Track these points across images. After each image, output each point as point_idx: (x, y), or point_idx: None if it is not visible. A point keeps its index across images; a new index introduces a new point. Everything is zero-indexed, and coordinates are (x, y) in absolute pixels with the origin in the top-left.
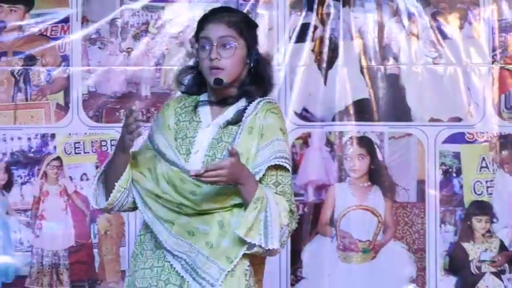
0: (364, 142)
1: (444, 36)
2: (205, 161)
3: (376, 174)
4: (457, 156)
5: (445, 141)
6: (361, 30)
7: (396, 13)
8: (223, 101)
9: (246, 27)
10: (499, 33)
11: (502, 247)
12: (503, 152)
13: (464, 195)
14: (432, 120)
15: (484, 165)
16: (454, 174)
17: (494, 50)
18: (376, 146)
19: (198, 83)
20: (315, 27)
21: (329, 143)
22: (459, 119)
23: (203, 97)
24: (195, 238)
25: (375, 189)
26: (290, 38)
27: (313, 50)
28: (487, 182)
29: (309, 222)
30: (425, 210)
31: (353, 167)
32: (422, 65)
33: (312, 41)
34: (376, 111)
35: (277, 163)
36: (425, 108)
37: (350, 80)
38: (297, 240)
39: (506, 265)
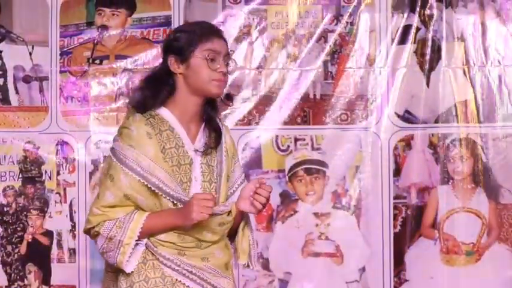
0: (468, 144)
1: None
2: (203, 187)
3: (480, 176)
4: None
5: None
6: (464, 32)
7: (499, 14)
8: (206, 123)
9: None
10: None
11: None
12: None
13: None
14: None
15: None
16: None
17: None
18: (480, 148)
19: (163, 96)
20: (417, 29)
21: (432, 145)
22: None
23: (165, 114)
24: (211, 262)
25: (479, 191)
26: (392, 39)
27: (415, 52)
28: None
29: (412, 225)
30: None
31: (456, 169)
32: None
33: (414, 42)
34: (480, 113)
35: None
36: None
37: (453, 81)
38: (401, 243)
39: None
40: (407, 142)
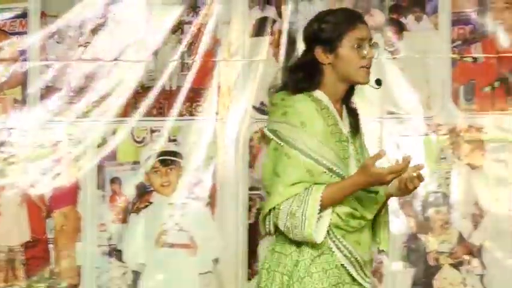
0: None
1: (403, 28)
2: (356, 166)
3: None
4: (416, 147)
5: (403, 133)
6: None
7: (356, 6)
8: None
9: None
10: (458, 25)
11: (460, 239)
12: (461, 143)
13: (423, 187)
14: (391, 112)
15: (442, 156)
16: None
17: (453, 41)
18: None
19: (316, 79)
20: (274, 21)
21: None
22: (418, 111)
23: (320, 95)
24: (361, 247)
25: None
26: (249, 31)
27: (272, 44)
28: (445, 173)
29: None
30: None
31: None
32: (381, 57)
33: (271, 34)
34: None
35: None
36: (384, 101)
37: None
38: (255, 234)
39: (464, 257)
40: (263, 134)
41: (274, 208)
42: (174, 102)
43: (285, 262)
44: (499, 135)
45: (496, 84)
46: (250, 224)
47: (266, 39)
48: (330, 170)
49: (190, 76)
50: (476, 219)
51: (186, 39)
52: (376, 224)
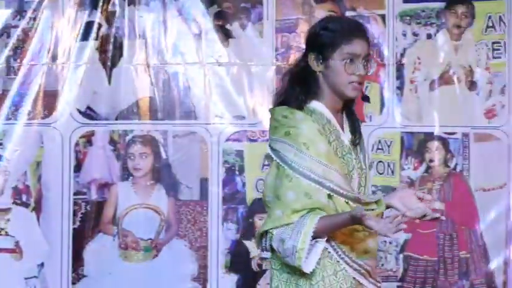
0: (148, 141)
1: (228, 35)
2: (358, 175)
3: (160, 173)
4: (240, 154)
5: (228, 140)
6: (145, 29)
7: (181, 12)
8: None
9: None
10: (282, 33)
11: None
12: None
13: (247, 193)
14: (216, 118)
15: (266, 163)
16: (237, 172)
17: (277, 50)
18: (160, 145)
19: (313, 88)
20: (100, 25)
21: (113, 142)
22: (243, 118)
23: (319, 107)
24: (369, 255)
25: (159, 188)
26: (75, 36)
27: (97, 48)
28: None
29: (91, 221)
30: (208, 208)
31: (136, 166)
32: (206, 64)
33: (97, 39)
34: (160, 110)
35: None
36: (209, 107)
37: (134, 78)
38: (79, 239)
39: None
40: (88, 138)
41: (267, 231)
42: (0, 106)
43: (297, 283)
44: None
45: None
46: (75, 229)
47: (92, 44)
48: (336, 192)
49: (17, 80)
50: None
51: (12, 43)
52: None
